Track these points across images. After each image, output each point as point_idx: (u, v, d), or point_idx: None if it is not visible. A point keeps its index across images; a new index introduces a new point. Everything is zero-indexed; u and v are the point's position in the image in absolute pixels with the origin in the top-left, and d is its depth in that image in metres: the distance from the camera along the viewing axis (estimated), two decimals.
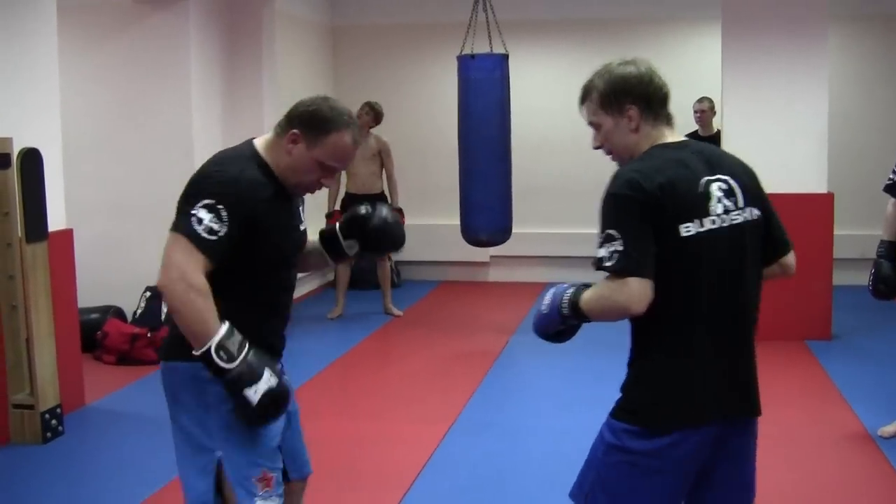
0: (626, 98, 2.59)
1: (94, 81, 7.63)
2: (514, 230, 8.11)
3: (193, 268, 2.58)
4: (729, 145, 7.47)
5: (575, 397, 6.08)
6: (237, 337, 2.63)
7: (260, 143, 2.84)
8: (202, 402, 2.75)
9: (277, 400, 2.67)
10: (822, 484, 4.68)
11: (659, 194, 2.44)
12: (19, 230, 5.22)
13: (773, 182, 2.58)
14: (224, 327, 2.61)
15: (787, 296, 7.34)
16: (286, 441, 2.98)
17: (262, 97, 8.22)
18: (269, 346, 2.83)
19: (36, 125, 5.54)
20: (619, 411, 2.62)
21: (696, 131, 8.90)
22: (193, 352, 2.60)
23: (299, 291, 9.54)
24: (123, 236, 7.54)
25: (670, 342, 2.53)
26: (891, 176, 5.01)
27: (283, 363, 2.98)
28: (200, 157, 7.29)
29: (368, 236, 3.09)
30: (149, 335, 6.91)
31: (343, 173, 8.32)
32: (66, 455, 5.14)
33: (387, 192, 8.44)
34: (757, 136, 7.39)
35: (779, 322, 7.35)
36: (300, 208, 3.02)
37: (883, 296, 5.01)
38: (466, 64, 7.78)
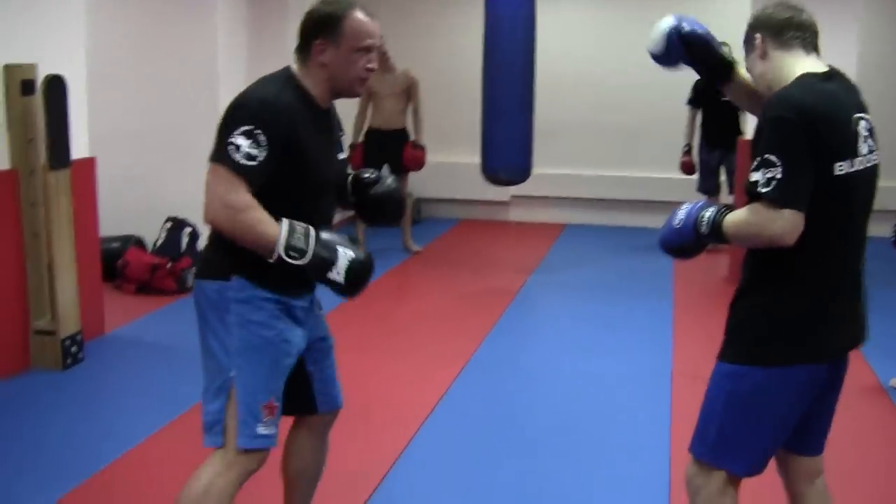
0: (752, 31, 2.68)
1: (120, 10, 7.60)
2: (535, 171, 8.09)
3: (234, 192, 2.61)
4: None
5: (590, 341, 6.12)
6: (300, 229, 2.68)
7: (296, 70, 2.84)
8: (224, 322, 2.79)
9: (362, 271, 2.74)
10: (834, 434, 4.69)
11: (821, 128, 2.45)
12: (43, 157, 5.24)
13: None
14: (284, 228, 2.65)
15: None
16: (322, 371, 3.06)
17: (286, 31, 8.15)
18: (302, 279, 2.82)
19: (60, 53, 5.52)
20: (738, 354, 2.63)
21: None
22: (269, 259, 2.65)
23: None
24: (145, 167, 7.56)
25: (803, 278, 2.55)
26: None
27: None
28: (225, 90, 7.33)
29: (366, 204, 3.11)
30: (169, 265, 6.97)
31: (370, 105, 8.32)
32: (86, 382, 5.21)
33: (410, 129, 8.42)
34: None
35: None
36: (341, 139, 3.02)
37: None
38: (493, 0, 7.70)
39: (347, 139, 8.04)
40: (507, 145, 7.70)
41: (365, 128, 8.38)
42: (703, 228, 2.62)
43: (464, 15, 9.89)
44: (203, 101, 7.40)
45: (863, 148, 2.54)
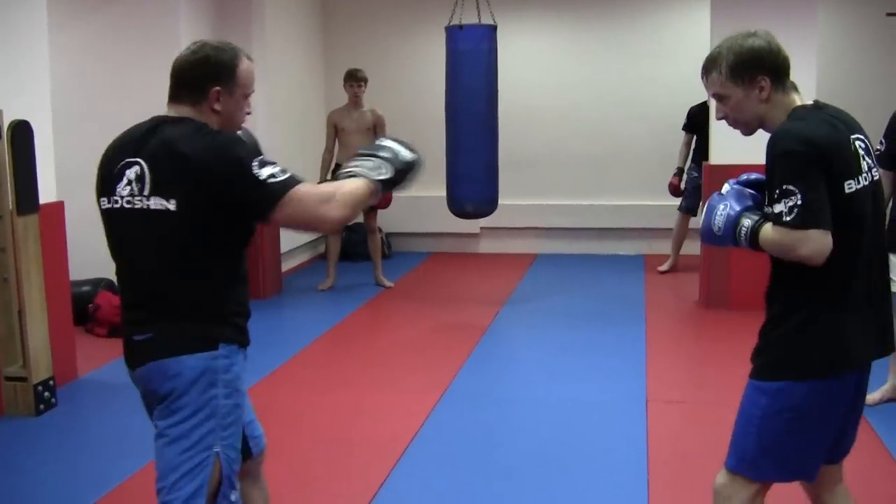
0: (755, 70, 2.71)
1: (83, 53, 7.58)
2: (503, 202, 8.13)
3: (313, 191, 2.65)
4: (716, 119, 7.51)
5: (563, 368, 6.15)
6: (368, 164, 2.83)
7: (188, 113, 2.76)
8: (208, 398, 2.65)
9: (406, 170, 2.90)
10: None
11: (828, 154, 2.58)
12: (10, 202, 5.22)
13: (761, 154, 2.64)
14: (366, 169, 2.80)
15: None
16: (248, 415, 2.96)
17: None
18: (247, 314, 2.81)
19: (25, 97, 5.51)
20: (772, 370, 2.74)
21: (705, 101, 8.92)
22: (376, 200, 2.82)
23: (290, 264, 9.58)
24: None
25: (829, 294, 2.66)
26: (878, 147, 5.05)
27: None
28: None
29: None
30: None
31: (336, 143, 8.37)
32: (60, 427, 5.17)
33: None
34: None
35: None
36: None
37: None
38: (454, 35, 7.75)
39: (314, 175, 8.18)
40: (473, 178, 7.75)
41: (332, 165, 8.41)
42: (742, 240, 2.72)
43: (429, 50, 9.95)
44: None
45: (863, 165, 2.69)
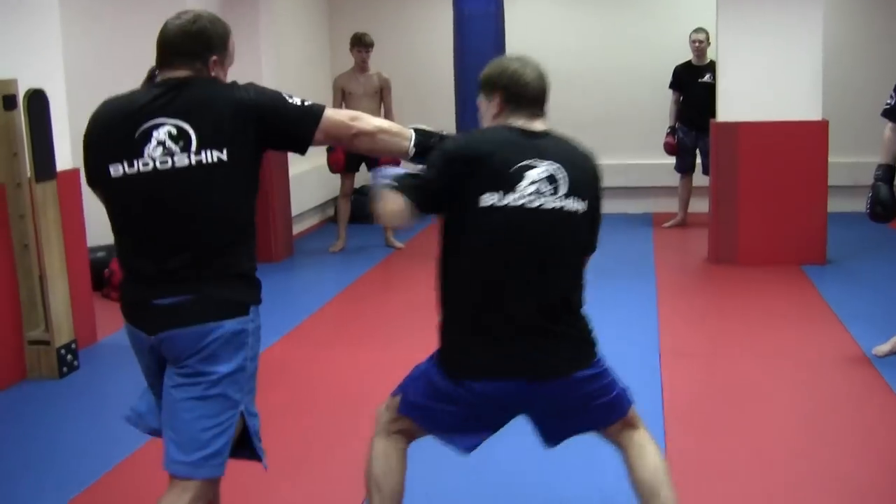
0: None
1: (93, 21, 7.61)
2: None
3: (341, 111, 2.95)
4: (724, 76, 7.57)
5: None
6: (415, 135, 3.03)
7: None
8: (238, 360, 2.75)
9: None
10: (822, 401, 4.84)
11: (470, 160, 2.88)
12: (28, 170, 5.29)
13: (768, 110, 2.69)
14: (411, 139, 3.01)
15: (782, 222, 7.50)
16: None
17: (258, 37, 8.23)
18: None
19: (38, 65, 5.57)
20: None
21: (690, 61, 8.99)
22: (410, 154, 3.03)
23: (301, 227, 9.64)
24: None
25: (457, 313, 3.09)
26: (888, 101, 5.09)
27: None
28: None
29: None
30: None
31: (343, 106, 8.41)
32: (84, 389, 5.28)
33: None
34: (752, 66, 7.47)
35: (775, 247, 7.52)
36: None
37: (880, 218, 5.09)
38: None
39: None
40: None
41: None
42: None
43: (434, 13, 9.99)
44: None
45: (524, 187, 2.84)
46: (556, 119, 11.36)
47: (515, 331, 2.84)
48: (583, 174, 2.92)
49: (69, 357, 5.44)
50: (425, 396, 2.97)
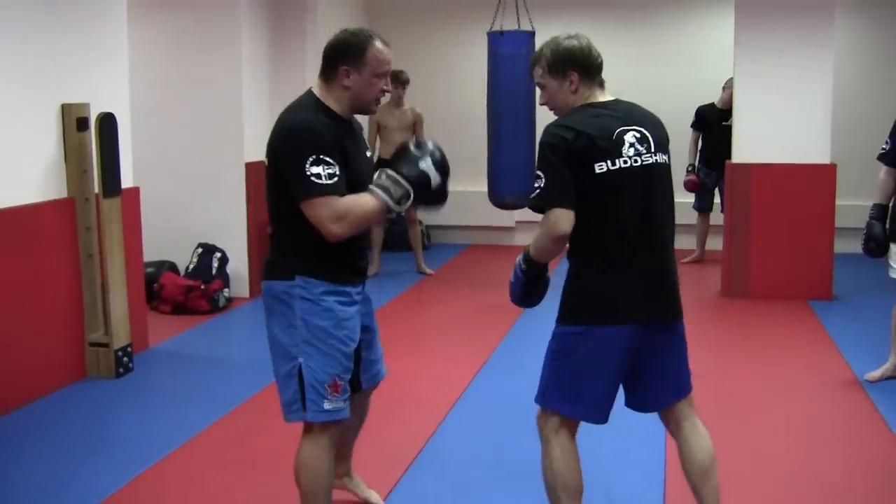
0: (569, 66, 3.24)
1: (155, 50, 8.06)
2: None
3: (333, 207, 3.12)
4: (739, 120, 7.99)
5: None
6: (387, 183, 3.24)
7: (317, 92, 3.33)
8: (290, 317, 3.28)
9: (443, 158, 3.41)
10: (814, 421, 5.21)
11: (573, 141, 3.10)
12: (96, 186, 5.80)
13: (780, 153, 3.08)
14: (380, 194, 3.21)
15: (792, 259, 7.91)
16: (368, 357, 3.60)
17: (304, 66, 8.68)
18: (355, 268, 3.38)
19: (107, 91, 6.06)
20: (559, 317, 3.38)
21: (713, 103, 9.35)
22: (391, 216, 3.31)
23: None
24: (177, 196, 7.98)
25: (596, 258, 3.23)
26: (883, 146, 5.54)
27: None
28: (249, 123, 7.86)
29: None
30: (202, 287, 7.50)
31: (377, 139, 8.87)
32: (138, 388, 5.76)
33: None
34: (766, 110, 7.91)
35: (784, 283, 7.92)
36: (364, 139, 3.56)
37: (873, 252, 5.50)
38: (496, 40, 8.23)
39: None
40: (513, 171, 8.19)
41: (375, 159, 8.91)
42: (522, 265, 3.48)
43: (467, 52, 10.50)
44: (229, 135, 7.91)
45: (626, 151, 3.18)
46: None
47: (640, 275, 3.18)
48: (661, 131, 3.33)
49: (125, 359, 5.92)
50: (566, 377, 3.27)
